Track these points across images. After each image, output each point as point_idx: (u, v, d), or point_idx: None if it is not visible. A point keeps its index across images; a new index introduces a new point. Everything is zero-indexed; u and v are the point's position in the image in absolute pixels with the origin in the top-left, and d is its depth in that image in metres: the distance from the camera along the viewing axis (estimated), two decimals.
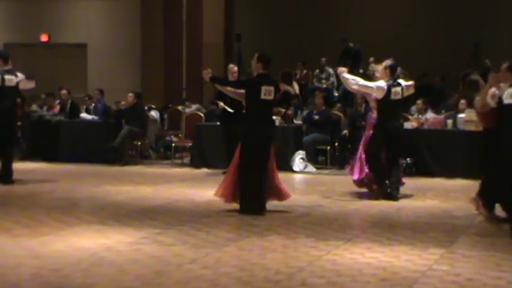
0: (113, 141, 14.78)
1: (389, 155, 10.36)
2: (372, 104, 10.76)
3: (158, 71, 20.31)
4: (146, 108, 16.32)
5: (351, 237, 7.83)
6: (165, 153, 16.09)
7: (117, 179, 12.65)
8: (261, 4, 22.77)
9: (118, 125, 15.28)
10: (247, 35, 20.73)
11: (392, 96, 10.34)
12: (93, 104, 16.24)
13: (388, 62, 10.60)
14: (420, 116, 14.22)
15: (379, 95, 10.34)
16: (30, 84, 12.64)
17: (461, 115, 13.72)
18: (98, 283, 5.96)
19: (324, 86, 19.35)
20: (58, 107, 16.30)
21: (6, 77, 11.92)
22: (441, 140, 13.44)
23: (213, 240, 7.67)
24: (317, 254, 7.00)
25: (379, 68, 10.67)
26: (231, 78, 12.58)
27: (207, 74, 9.53)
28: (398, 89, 10.44)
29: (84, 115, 16.07)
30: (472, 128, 12.93)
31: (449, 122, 13.87)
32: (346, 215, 9.40)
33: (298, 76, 19.74)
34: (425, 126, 13.88)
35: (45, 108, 16.60)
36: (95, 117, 15.81)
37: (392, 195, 10.35)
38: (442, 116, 14.37)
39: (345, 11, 21.99)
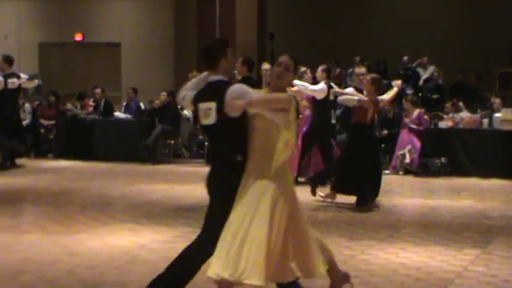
0: (146, 139, 14.88)
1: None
2: (305, 103, 11.57)
3: (191, 69, 20.33)
4: (179, 107, 16.38)
5: (385, 237, 7.80)
6: (198, 152, 16.13)
7: (150, 178, 12.73)
8: (294, 2, 22.74)
9: (151, 123, 15.38)
10: (280, 33, 20.70)
11: (330, 97, 11.10)
12: (124, 103, 16.39)
13: (323, 66, 11.48)
14: (455, 115, 14.10)
15: (321, 96, 10.98)
16: (32, 84, 14.15)
17: (497, 114, 13.58)
18: (132, 281, 6.02)
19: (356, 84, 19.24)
20: (92, 106, 16.45)
21: (9, 80, 13.27)
22: (476, 140, 13.31)
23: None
24: (350, 253, 6.98)
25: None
26: (263, 77, 12.57)
27: (193, 77, 9.67)
28: (332, 90, 11.15)
29: (118, 114, 16.20)
30: (507, 127, 12.80)
31: (485, 121, 13.74)
32: (379, 214, 9.36)
33: (331, 75, 19.65)
34: (460, 126, 13.76)
35: (79, 106, 16.77)
36: (129, 116, 15.93)
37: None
38: (477, 115, 14.24)
39: (380, 9, 21.88)
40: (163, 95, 15.42)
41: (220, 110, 4.83)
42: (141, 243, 7.44)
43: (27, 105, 16.12)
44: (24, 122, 15.80)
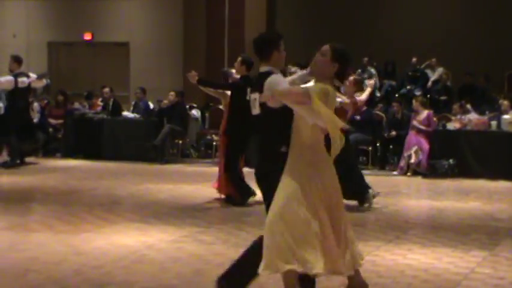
0: (154, 139, 14.90)
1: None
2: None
3: (200, 70, 20.27)
4: (187, 107, 16.41)
5: (392, 239, 7.79)
6: (205, 152, 16.16)
7: (158, 178, 12.75)
8: (303, 3, 22.72)
9: (159, 123, 15.40)
10: (290, 34, 20.70)
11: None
12: (133, 103, 16.43)
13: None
14: (463, 117, 14.07)
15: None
16: (40, 83, 14.25)
17: (506, 116, 13.54)
18: (139, 280, 6.02)
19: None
20: (100, 105, 16.49)
21: (19, 79, 13.42)
22: (484, 141, 13.28)
23: (254, 239, 7.67)
24: None
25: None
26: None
27: (193, 76, 9.91)
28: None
29: (126, 113, 16.23)
30: None
31: (493, 123, 13.70)
32: (386, 215, 9.35)
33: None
34: (469, 127, 13.73)
35: (87, 106, 16.81)
36: (137, 116, 15.96)
37: None
38: (485, 117, 14.20)
39: (389, 10, 21.84)
40: (172, 95, 15.44)
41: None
42: (148, 242, 7.45)
43: (35, 104, 16.15)
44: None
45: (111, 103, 16.22)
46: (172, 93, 15.52)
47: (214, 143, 15.60)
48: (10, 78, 13.45)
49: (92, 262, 6.60)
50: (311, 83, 5.04)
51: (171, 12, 20.43)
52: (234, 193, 9.91)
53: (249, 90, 9.40)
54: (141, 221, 8.67)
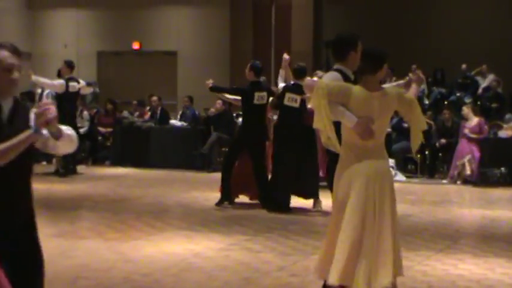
0: (201, 147, 14.95)
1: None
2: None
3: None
4: (234, 115, 16.42)
5: (443, 248, 7.66)
6: None
7: (205, 185, 12.77)
8: (350, 12, 22.62)
9: (207, 131, 15.44)
10: None
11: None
12: (181, 112, 16.54)
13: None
14: None
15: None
16: (88, 90, 14.59)
17: None
18: None
19: None
20: (148, 114, 16.62)
21: (70, 83, 13.66)
22: None
23: (301, 248, 7.64)
24: (407, 264, 6.85)
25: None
26: None
27: (208, 84, 10.53)
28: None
29: (173, 121, 16.32)
30: None
31: None
32: (436, 224, 9.20)
33: (387, 83, 19.50)
34: None
35: (136, 114, 16.95)
36: (184, 124, 16.04)
37: None
38: None
39: (437, 17, 21.60)
40: (219, 103, 15.47)
41: None
42: (196, 250, 7.45)
43: (85, 113, 16.36)
44: (82, 130, 16.05)
45: (159, 111, 16.33)
46: (219, 101, 15.54)
47: None
48: (62, 81, 13.68)
49: (141, 269, 6.62)
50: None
51: (218, 21, 20.52)
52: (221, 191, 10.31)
53: (256, 95, 10.01)
54: (189, 229, 8.68)
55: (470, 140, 13.30)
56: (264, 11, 20.47)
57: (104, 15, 21.61)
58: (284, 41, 20.26)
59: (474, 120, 13.44)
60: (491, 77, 17.88)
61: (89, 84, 14.46)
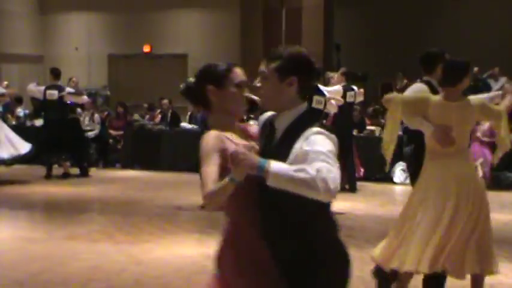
0: None
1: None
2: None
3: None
4: (245, 117, 16.43)
5: None
6: None
7: None
8: (361, 14, 22.62)
9: None
10: (347, 45, 20.63)
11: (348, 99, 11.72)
12: (189, 113, 16.58)
13: (342, 70, 12.53)
14: None
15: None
16: (79, 100, 14.17)
17: None
18: None
19: None
20: (159, 117, 16.66)
21: (48, 91, 13.45)
22: None
23: None
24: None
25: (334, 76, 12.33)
26: (329, 85, 12.50)
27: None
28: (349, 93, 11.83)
29: (184, 124, 16.35)
30: None
31: None
32: None
33: (398, 86, 19.46)
34: None
35: (147, 117, 17.00)
36: (195, 127, 16.07)
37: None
38: None
39: (448, 20, 21.57)
40: None
41: None
42: (207, 253, 7.44)
43: (96, 116, 16.43)
44: (93, 133, 16.13)
45: (169, 114, 16.38)
46: None
47: None
48: (40, 88, 13.66)
49: (152, 272, 6.64)
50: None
51: (228, 24, 20.56)
52: None
53: None
54: (200, 232, 8.70)
55: (482, 143, 13.26)
56: (274, 14, 20.49)
57: (115, 19, 21.70)
58: (295, 43, 20.23)
59: (486, 124, 13.40)
60: (503, 80, 17.82)
61: (79, 93, 14.02)
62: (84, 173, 14.07)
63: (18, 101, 17.54)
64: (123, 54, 21.61)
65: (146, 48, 21.35)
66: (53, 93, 13.44)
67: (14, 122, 16.81)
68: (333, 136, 3.01)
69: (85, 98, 14.44)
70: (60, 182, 13.17)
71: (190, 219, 9.75)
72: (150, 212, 10.23)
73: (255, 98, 10.65)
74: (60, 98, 13.44)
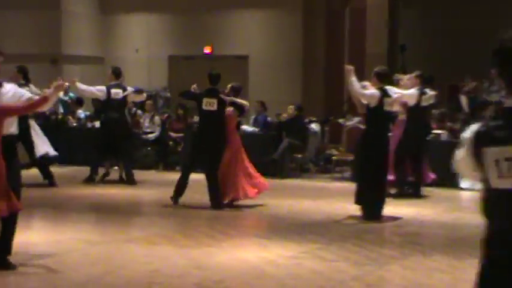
0: (273, 153, 15.02)
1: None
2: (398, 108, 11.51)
3: (319, 82, 20.45)
4: (307, 120, 16.45)
5: None
6: (324, 167, 16.14)
7: (277, 192, 12.82)
8: (426, 14, 22.39)
9: (278, 137, 15.51)
10: (410, 45, 20.45)
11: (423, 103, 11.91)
12: (253, 117, 16.65)
13: (416, 73, 12.52)
14: None
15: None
16: (139, 98, 14.20)
17: None
18: None
19: (495, 99, 18.66)
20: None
21: (113, 90, 13.40)
22: None
23: (375, 257, 7.62)
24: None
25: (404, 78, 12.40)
26: (399, 87, 12.33)
27: (195, 89, 11.68)
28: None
29: (245, 127, 16.41)
30: None
31: None
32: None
33: (466, 89, 19.19)
34: None
35: None
36: (256, 130, 16.14)
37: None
38: None
39: (509, 19, 21.19)
40: (291, 109, 15.53)
41: None
42: (268, 258, 7.51)
43: (156, 118, 16.66)
44: (153, 135, 16.36)
45: None
46: (291, 107, 15.61)
47: (333, 158, 15.56)
48: (102, 88, 13.59)
49: (213, 276, 6.72)
50: None
51: (290, 25, 20.59)
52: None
53: (204, 100, 11.13)
54: (261, 236, 8.76)
55: None
56: (337, 14, 20.46)
57: (175, 20, 21.96)
58: (358, 44, 20.20)
59: None
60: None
61: (138, 91, 13.93)
62: (130, 180, 13.57)
63: (79, 102, 17.90)
64: (183, 56, 21.82)
65: (207, 50, 21.51)
66: (118, 92, 13.51)
67: (74, 124, 17.17)
68: None
69: (145, 96, 14.64)
70: (118, 184, 13.38)
71: (252, 224, 9.84)
72: (211, 216, 10.34)
73: (244, 102, 10.98)
74: (124, 97, 13.60)
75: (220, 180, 10.92)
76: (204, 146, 11.10)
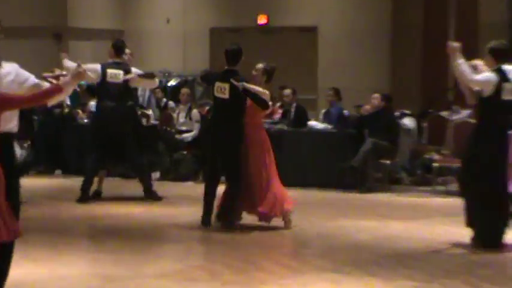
0: (351, 158, 14.95)
1: None
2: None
3: (414, 63, 20.29)
4: (398, 114, 16.34)
5: None
6: (423, 177, 16.00)
7: (357, 211, 12.75)
8: None
9: (359, 136, 15.43)
10: None
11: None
12: (324, 110, 16.60)
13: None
14: None
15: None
16: (149, 83, 13.99)
17: None
18: None
19: None
20: (279, 112, 16.73)
21: (110, 71, 13.09)
22: None
23: None
24: None
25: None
26: None
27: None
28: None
29: (313, 123, 16.38)
30: None
31: None
32: None
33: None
34: None
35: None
36: (328, 126, 16.07)
37: None
38: None
39: None
40: (376, 98, 15.42)
41: None
42: None
43: (194, 112, 16.69)
44: (191, 134, 16.43)
45: (293, 110, 16.45)
46: (376, 95, 15.50)
47: (434, 164, 15.41)
48: (95, 66, 13.16)
49: None
50: None
51: None
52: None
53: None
54: (335, 271, 8.71)
55: None
56: None
57: None
58: (468, 11, 19.98)
59: None
60: None
61: (147, 75, 13.66)
62: (150, 194, 13.58)
63: (91, 91, 18.04)
64: (230, 28, 21.87)
65: (261, 20, 21.54)
66: (116, 74, 13.18)
67: (85, 120, 17.31)
68: None
69: (157, 82, 14.31)
70: (144, 201, 13.44)
71: (322, 253, 9.79)
72: (267, 242, 10.35)
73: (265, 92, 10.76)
74: (125, 81, 13.27)
75: (244, 192, 10.97)
76: (215, 145, 11.23)
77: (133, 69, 13.51)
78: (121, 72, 13.22)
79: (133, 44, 21.29)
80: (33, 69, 7.29)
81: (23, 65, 7.03)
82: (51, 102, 6.93)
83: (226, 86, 11.05)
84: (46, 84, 7.04)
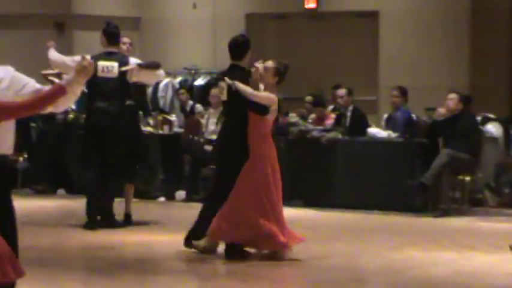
0: (422, 174, 14.87)
1: None
2: None
3: (500, 56, 20.21)
4: (479, 119, 16.25)
5: None
6: (510, 196, 15.91)
7: (430, 239, 12.69)
8: None
9: (431, 147, 15.36)
10: None
11: None
12: (387, 115, 16.57)
13: None
14: None
15: None
16: (154, 77, 13.75)
17: None
18: None
19: None
20: (332, 117, 16.69)
21: (102, 63, 12.90)
22: None
23: None
24: None
25: None
26: None
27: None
28: None
29: (373, 130, 16.31)
30: None
31: None
32: None
33: None
34: None
35: (310, 118, 17.06)
36: (392, 134, 16.00)
37: None
38: None
39: None
40: (452, 99, 15.34)
41: None
42: None
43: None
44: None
45: (349, 114, 16.39)
46: (452, 96, 15.42)
47: None
48: (78, 58, 12.82)
49: None
50: None
51: None
52: None
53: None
54: None
55: None
56: None
57: None
58: None
59: None
60: None
61: (149, 66, 13.45)
62: (128, 220, 13.73)
63: None
64: (270, 13, 21.92)
65: (309, 3, 21.56)
66: (110, 66, 13.09)
67: None
68: None
69: (163, 74, 14.01)
70: (166, 228, 13.45)
71: None
72: (317, 276, 10.33)
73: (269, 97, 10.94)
74: (122, 74, 13.12)
75: (240, 213, 10.94)
76: (215, 154, 11.52)
77: (132, 59, 13.38)
78: (115, 64, 13.08)
79: (152, 34, 21.52)
80: (31, 64, 7.24)
81: (20, 59, 6.97)
82: (58, 108, 6.69)
83: (225, 85, 11.13)
84: (46, 88, 6.76)
